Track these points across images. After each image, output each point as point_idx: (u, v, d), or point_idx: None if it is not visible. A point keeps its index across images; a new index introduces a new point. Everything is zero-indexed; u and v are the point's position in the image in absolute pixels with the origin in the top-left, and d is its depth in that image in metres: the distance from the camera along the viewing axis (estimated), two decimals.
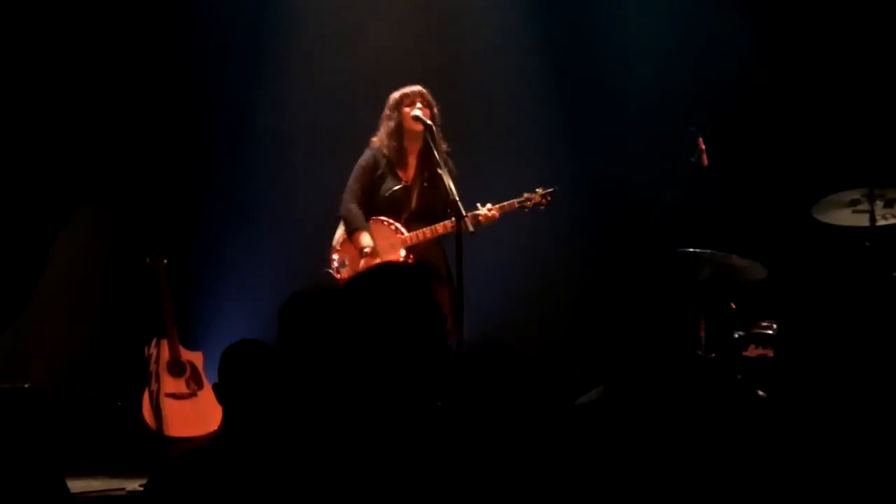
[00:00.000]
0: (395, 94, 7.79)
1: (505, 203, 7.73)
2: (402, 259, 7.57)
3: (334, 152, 8.16)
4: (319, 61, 9.39)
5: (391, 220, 7.73)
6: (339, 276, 7.65)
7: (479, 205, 7.62)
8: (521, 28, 9.55)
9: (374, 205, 7.76)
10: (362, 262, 7.54)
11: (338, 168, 8.00)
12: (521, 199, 7.79)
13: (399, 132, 7.75)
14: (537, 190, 7.82)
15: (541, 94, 9.55)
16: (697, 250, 7.61)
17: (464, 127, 8.43)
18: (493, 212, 7.65)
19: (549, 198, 7.84)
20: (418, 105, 7.69)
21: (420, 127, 7.63)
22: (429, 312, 3.40)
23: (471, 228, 7.14)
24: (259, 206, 9.38)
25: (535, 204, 7.83)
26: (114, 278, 9.19)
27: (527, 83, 9.57)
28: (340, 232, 7.82)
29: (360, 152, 7.86)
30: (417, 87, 7.79)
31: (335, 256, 7.78)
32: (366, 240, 7.64)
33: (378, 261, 7.44)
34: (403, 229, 7.70)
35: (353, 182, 7.79)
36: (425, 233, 7.68)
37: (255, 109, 9.38)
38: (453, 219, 7.20)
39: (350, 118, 8.45)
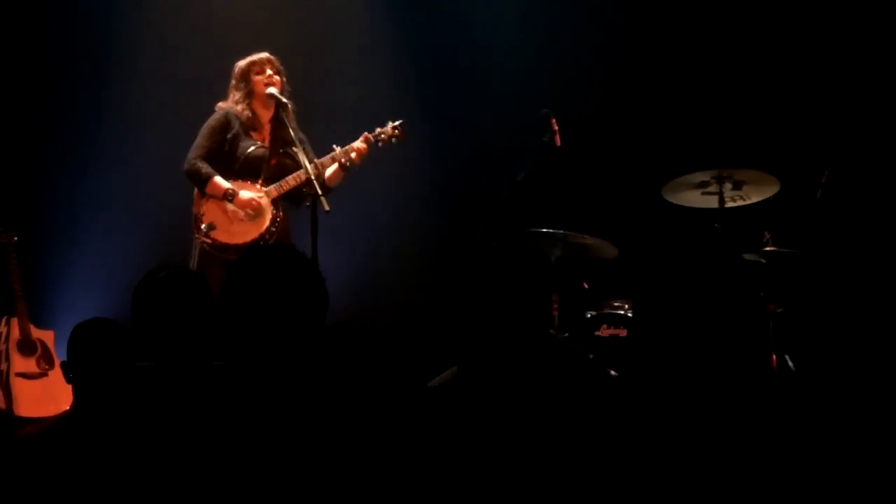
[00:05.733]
0: (243, 62, 7.64)
1: (358, 142, 7.68)
2: (272, 216, 7.48)
3: (190, 128, 7.97)
4: (174, 37, 9.29)
5: (251, 181, 7.51)
6: (208, 241, 7.40)
7: (335, 146, 7.60)
8: (378, 8, 9.56)
9: (231, 166, 7.53)
10: (229, 206, 7.42)
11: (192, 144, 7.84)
12: (374, 133, 7.73)
13: (250, 99, 7.60)
14: (388, 123, 7.79)
15: (394, 74, 9.56)
16: (550, 230, 7.66)
17: (314, 107, 8.37)
18: (352, 152, 7.63)
19: (399, 130, 7.80)
20: (268, 71, 7.60)
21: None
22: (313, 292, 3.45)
23: (326, 208, 7.09)
24: (113, 182, 9.22)
25: (388, 137, 7.77)
26: None
27: (380, 63, 9.56)
28: (197, 194, 7.55)
29: None
30: (265, 54, 7.65)
31: (202, 221, 7.45)
32: (223, 183, 7.44)
33: (244, 198, 7.41)
34: (263, 188, 7.52)
35: (201, 140, 7.56)
36: (288, 182, 7.47)
37: (112, 83, 9.22)
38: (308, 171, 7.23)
39: (205, 93, 8.28)
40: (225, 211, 7.48)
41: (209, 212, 7.48)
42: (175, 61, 9.21)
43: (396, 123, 7.79)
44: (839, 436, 5.64)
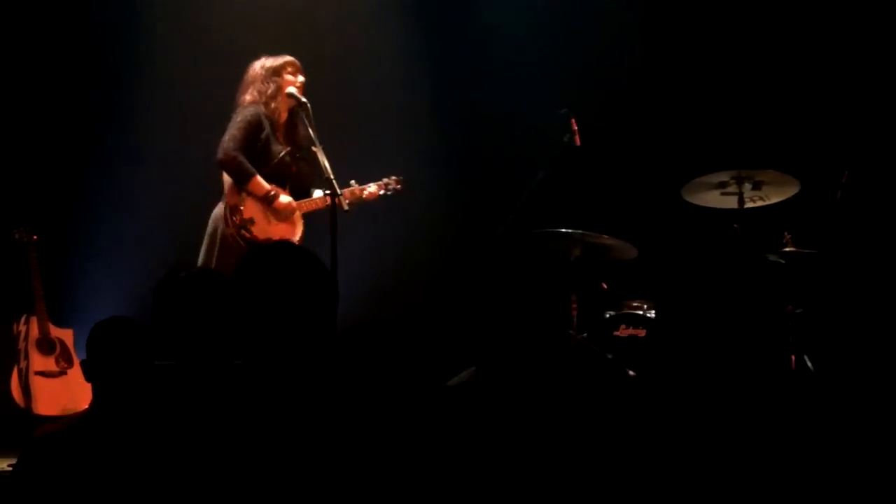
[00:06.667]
0: (274, 62, 7.55)
1: (375, 188, 7.77)
2: (301, 232, 7.50)
3: (206, 130, 7.95)
4: (190, 42, 9.31)
5: (280, 188, 7.46)
6: (247, 234, 7.28)
7: (353, 182, 7.61)
8: (391, 9, 9.58)
9: (260, 169, 7.40)
10: (275, 204, 7.38)
11: (212, 146, 7.79)
12: (386, 182, 7.82)
13: (277, 98, 7.50)
14: (392, 176, 7.85)
15: (411, 71, 9.56)
16: (569, 230, 7.66)
17: (329, 106, 8.35)
18: (365, 191, 7.68)
19: (399, 185, 7.90)
20: (301, 78, 7.53)
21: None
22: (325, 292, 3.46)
23: (345, 206, 7.08)
24: (133, 182, 9.24)
25: (393, 190, 7.87)
26: None
27: (393, 65, 9.56)
28: (232, 186, 7.41)
29: None
30: (292, 57, 7.61)
31: (241, 214, 7.32)
32: (265, 183, 7.35)
33: (284, 201, 7.41)
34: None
35: (238, 132, 7.37)
36: (317, 202, 7.51)
37: (130, 84, 9.24)
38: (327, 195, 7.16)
39: (222, 97, 8.25)
40: (264, 209, 7.40)
41: (249, 207, 7.37)
42: (192, 65, 9.21)
43: (397, 178, 7.91)
44: (858, 437, 5.63)
